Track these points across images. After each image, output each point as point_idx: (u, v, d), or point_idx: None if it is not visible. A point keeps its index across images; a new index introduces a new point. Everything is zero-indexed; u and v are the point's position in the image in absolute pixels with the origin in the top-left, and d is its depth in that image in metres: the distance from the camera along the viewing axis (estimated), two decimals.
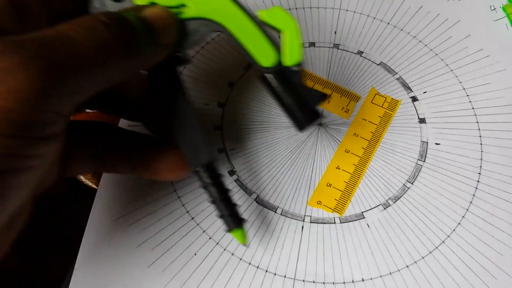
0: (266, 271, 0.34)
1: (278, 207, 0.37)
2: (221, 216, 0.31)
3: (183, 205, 0.37)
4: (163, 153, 0.31)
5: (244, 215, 0.36)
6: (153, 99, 0.30)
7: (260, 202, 0.37)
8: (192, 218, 0.36)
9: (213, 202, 0.31)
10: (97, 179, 0.38)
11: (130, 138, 0.32)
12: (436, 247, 0.35)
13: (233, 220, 0.30)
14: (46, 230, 0.45)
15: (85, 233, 0.35)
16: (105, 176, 0.38)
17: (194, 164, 0.30)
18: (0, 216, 0.21)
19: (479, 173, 0.37)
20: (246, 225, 0.35)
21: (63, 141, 0.24)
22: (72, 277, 0.34)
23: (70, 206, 0.39)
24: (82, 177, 0.38)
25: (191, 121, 0.29)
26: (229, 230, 0.31)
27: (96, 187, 0.37)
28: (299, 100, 0.29)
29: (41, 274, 0.43)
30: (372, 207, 0.36)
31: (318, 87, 0.42)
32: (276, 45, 0.28)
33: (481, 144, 0.39)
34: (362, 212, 0.36)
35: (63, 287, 0.38)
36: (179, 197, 0.37)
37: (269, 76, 0.29)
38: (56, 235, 0.41)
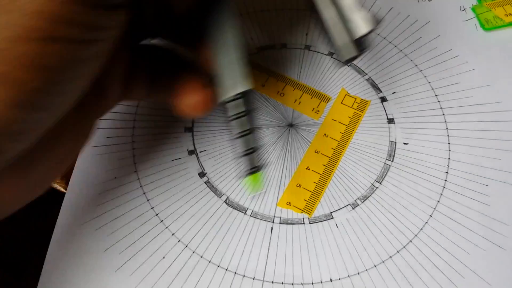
0: (235, 273, 0.34)
1: (248, 208, 0.37)
2: (246, 153, 0.30)
3: (152, 208, 0.36)
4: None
5: (213, 218, 0.36)
6: (199, 16, 0.29)
7: (230, 203, 0.37)
8: (161, 221, 0.36)
9: (242, 136, 0.29)
10: (65, 182, 0.37)
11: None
12: (404, 246, 0.35)
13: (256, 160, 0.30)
14: (14, 235, 0.45)
15: (52, 237, 0.35)
16: (73, 180, 0.37)
17: (232, 91, 0.28)
18: (74, 92, 0.22)
19: (447, 172, 0.38)
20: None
21: (127, 17, 0.23)
22: (39, 282, 0.34)
23: (38, 210, 0.39)
24: None
25: (234, 43, 0.28)
26: (253, 170, 0.30)
27: (64, 190, 0.37)
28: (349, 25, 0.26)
29: (10, 281, 0.43)
30: (341, 207, 0.36)
31: (289, 88, 0.42)
32: None
33: (449, 143, 0.39)
34: (331, 212, 0.36)
35: None
36: (148, 200, 0.37)
37: None
38: (24, 240, 0.41)
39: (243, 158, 0.30)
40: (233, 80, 0.28)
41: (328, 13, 0.27)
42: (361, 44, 0.27)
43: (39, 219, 0.38)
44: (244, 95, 0.29)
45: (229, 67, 0.28)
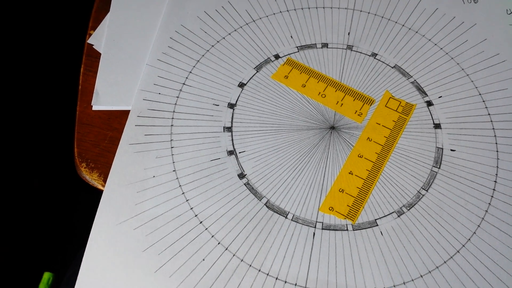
0: (277, 278, 0.33)
1: (289, 212, 0.36)
2: None
3: (191, 208, 0.36)
4: None
5: (254, 221, 0.35)
6: None
7: (271, 206, 0.36)
8: (201, 222, 0.35)
9: None
10: (103, 180, 0.37)
11: None
12: (451, 257, 0.34)
13: None
14: (52, 230, 0.44)
15: (90, 236, 0.34)
16: (111, 177, 0.37)
17: None
18: None
19: (495, 181, 0.37)
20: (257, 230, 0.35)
21: None
22: (77, 281, 0.33)
23: (76, 207, 0.38)
24: (88, 178, 0.37)
25: None
26: None
27: (102, 188, 0.36)
28: None
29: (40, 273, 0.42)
30: (386, 214, 0.35)
31: (331, 89, 0.41)
32: None
33: (497, 151, 0.38)
34: (375, 219, 0.35)
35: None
36: (187, 200, 0.36)
37: None
38: (61, 236, 0.40)
39: None
40: None
41: None
42: None
43: (76, 217, 0.38)
44: None
45: None
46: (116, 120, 0.39)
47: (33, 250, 0.47)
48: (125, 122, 0.39)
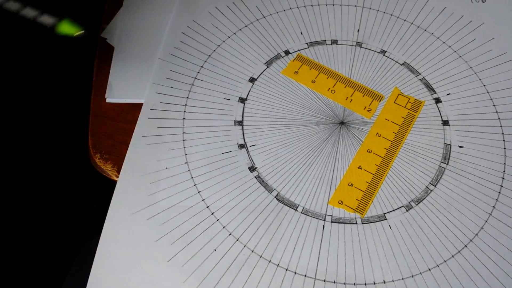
0: (287, 269, 0.34)
1: (298, 205, 0.36)
2: None
3: (203, 200, 0.36)
4: None
5: (264, 213, 0.36)
6: None
7: (281, 199, 0.36)
8: (212, 213, 0.36)
9: None
10: (117, 171, 0.37)
11: None
12: (459, 251, 0.34)
13: None
14: (66, 220, 0.45)
15: (104, 226, 0.35)
16: (125, 168, 0.37)
17: None
18: None
19: (503, 178, 0.37)
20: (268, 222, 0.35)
21: None
22: (92, 270, 0.34)
23: (90, 197, 0.39)
24: (102, 168, 0.38)
25: None
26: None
27: (116, 179, 0.37)
28: None
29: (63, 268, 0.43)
30: (394, 208, 0.36)
31: (340, 85, 0.41)
32: None
33: (504, 148, 0.38)
34: (384, 213, 0.36)
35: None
36: (199, 192, 0.37)
37: None
38: (75, 225, 0.41)
39: None
40: None
41: None
42: None
43: (91, 207, 0.38)
44: None
45: None
46: (130, 113, 0.40)
47: (45, 242, 0.48)
48: (138, 114, 0.40)
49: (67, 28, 0.33)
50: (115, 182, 0.37)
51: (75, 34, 0.33)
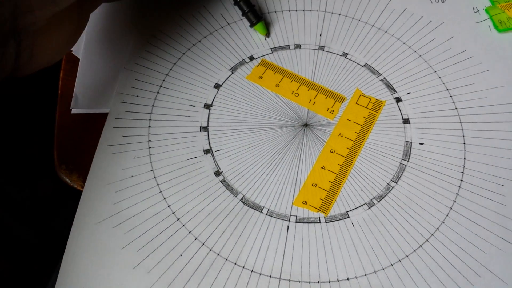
0: (252, 271, 0.34)
1: (263, 207, 0.37)
2: (244, 13, 0.44)
3: (169, 206, 0.37)
4: None
5: (230, 216, 0.36)
6: None
7: (246, 202, 0.37)
8: (178, 219, 0.36)
9: (237, 3, 0.44)
10: (82, 181, 0.38)
11: None
12: (420, 246, 0.35)
13: (254, 15, 0.44)
14: (34, 233, 0.45)
15: (70, 235, 0.35)
16: (90, 178, 0.37)
17: None
18: None
19: (463, 172, 0.38)
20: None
21: None
22: (58, 278, 0.34)
23: (57, 209, 0.39)
24: (67, 179, 0.38)
25: None
26: (253, 22, 0.44)
27: (81, 189, 0.37)
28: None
29: (27, 277, 0.43)
30: (357, 206, 0.37)
31: (304, 88, 0.42)
32: None
33: (464, 143, 0.39)
34: (347, 212, 0.36)
35: None
36: (164, 198, 0.37)
37: None
38: (43, 238, 0.41)
39: (246, 14, 0.44)
40: None
41: None
42: None
43: (56, 218, 0.39)
44: None
45: None
46: (96, 123, 0.40)
47: (16, 255, 0.48)
48: (104, 124, 0.40)
49: (260, 29, 0.45)
50: (80, 192, 0.37)
51: (264, 35, 0.45)
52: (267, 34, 0.45)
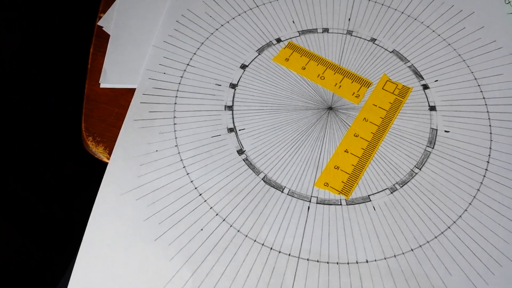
0: (271, 248, 0.34)
1: (285, 187, 0.37)
2: None
3: (192, 181, 0.37)
4: None
5: (251, 194, 0.36)
6: None
7: (268, 181, 0.37)
8: (200, 195, 0.36)
9: None
10: (108, 153, 0.38)
11: None
12: (442, 232, 0.35)
13: None
14: (58, 204, 0.46)
15: (94, 205, 0.36)
16: (116, 151, 0.38)
17: None
18: None
19: (488, 162, 0.37)
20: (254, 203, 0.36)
21: None
22: (80, 248, 0.35)
23: (84, 187, 0.40)
24: (94, 151, 0.39)
25: None
26: None
27: (107, 161, 0.38)
28: None
29: (53, 248, 0.44)
30: (379, 190, 0.37)
31: (330, 72, 0.42)
32: None
33: (490, 133, 0.39)
34: (368, 195, 0.36)
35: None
36: (187, 174, 0.37)
37: None
38: (66, 209, 0.42)
39: None
40: None
41: None
42: None
43: (82, 194, 0.39)
44: None
45: None
46: (123, 98, 0.41)
47: (43, 223, 0.49)
48: (131, 99, 0.41)
49: None
50: (106, 164, 0.38)
51: None
52: None
